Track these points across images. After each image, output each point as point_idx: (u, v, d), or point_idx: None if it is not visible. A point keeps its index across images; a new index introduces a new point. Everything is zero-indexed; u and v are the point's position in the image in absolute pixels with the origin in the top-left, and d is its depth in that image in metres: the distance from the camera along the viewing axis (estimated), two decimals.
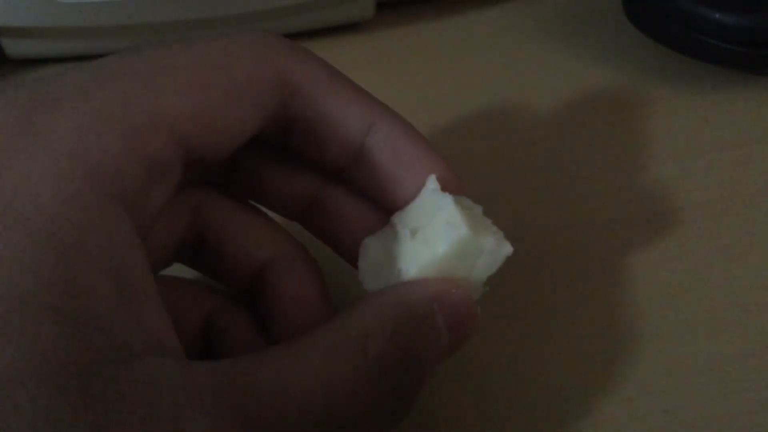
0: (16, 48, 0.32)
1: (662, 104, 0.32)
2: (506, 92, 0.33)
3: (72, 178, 0.15)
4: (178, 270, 0.23)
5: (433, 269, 0.19)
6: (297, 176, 0.22)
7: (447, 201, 0.19)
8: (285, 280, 0.22)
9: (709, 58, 0.32)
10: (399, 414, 0.18)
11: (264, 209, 0.23)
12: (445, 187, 0.20)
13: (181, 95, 0.17)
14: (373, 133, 0.20)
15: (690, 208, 0.28)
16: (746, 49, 0.30)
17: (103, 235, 0.15)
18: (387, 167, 0.20)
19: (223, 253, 0.22)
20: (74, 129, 0.15)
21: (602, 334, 0.25)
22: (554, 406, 0.23)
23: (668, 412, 0.23)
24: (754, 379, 0.23)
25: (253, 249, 0.22)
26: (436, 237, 0.19)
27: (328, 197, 0.22)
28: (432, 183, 0.20)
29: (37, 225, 0.14)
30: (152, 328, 0.15)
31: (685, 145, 0.31)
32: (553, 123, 0.31)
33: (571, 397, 0.23)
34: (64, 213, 0.15)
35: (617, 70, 0.34)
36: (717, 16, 0.30)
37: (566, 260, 0.27)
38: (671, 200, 0.29)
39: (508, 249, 0.19)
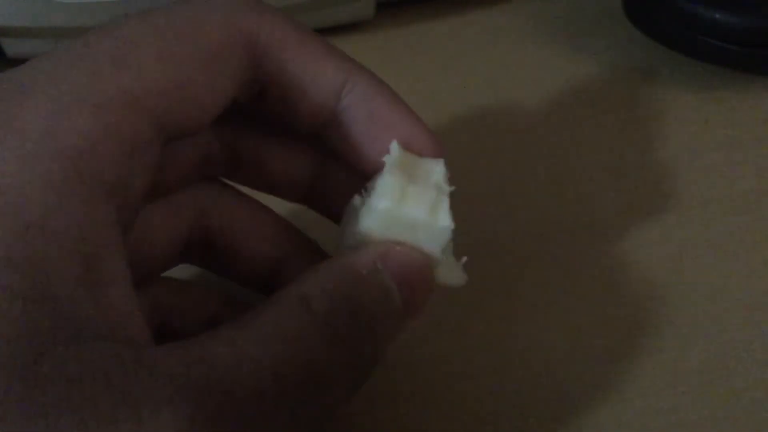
0: (16, 48, 0.32)
1: (662, 104, 0.32)
2: (506, 92, 0.33)
3: (39, 159, 0.15)
4: (181, 272, 0.23)
5: (371, 236, 0.19)
6: (296, 156, 0.22)
7: (387, 169, 0.19)
8: None
9: (709, 58, 0.32)
10: (358, 376, 0.18)
11: (267, 204, 0.23)
12: (420, 149, 0.19)
13: (148, 68, 0.17)
14: (347, 92, 0.19)
15: (690, 208, 0.28)
16: (746, 49, 0.30)
17: (71, 215, 0.15)
18: (362, 126, 0.20)
19: (235, 252, 0.22)
20: (42, 112, 0.15)
21: (602, 334, 0.25)
22: (553, 406, 0.23)
23: (669, 412, 0.23)
24: (754, 380, 0.23)
25: (266, 247, 0.22)
26: (369, 207, 0.19)
27: (328, 173, 0.22)
28: (393, 149, 0.19)
29: (0, 207, 0.14)
30: (114, 312, 0.15)
31: (684, 145, 0.31)
32: (553, 123, 0.31)
33: (570, 397, 0.23)
34: (29, 193, 0.14)
35: (617, 70, 0.34)
36: (717, 16, 0.30)
37: (564, 259, 0.27)
38: (671, 200, 0.29)
39: (445, 223, 0.19)
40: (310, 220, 0.23)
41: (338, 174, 0.22)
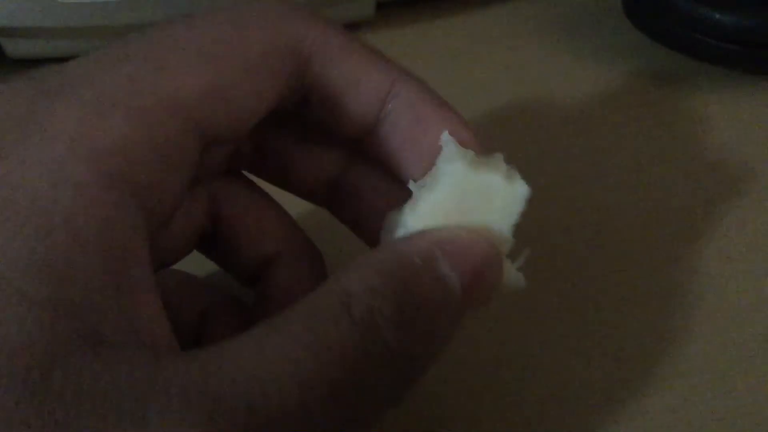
0: (16, 48, 0.32)
1: (662, 104, 0.32)
2: (506, 92, 0.33)
3: (69, 162, 0.14)
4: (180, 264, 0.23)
5: (435, 216, 0.17)
6: (321, 155, 0.21)
7: (447, 141, 0.17)
8: (286, 275, 0.21)
9: (709, 58, 0.32)
10: (403, 385, 0.16)
11: (286, 197, 0.22)
12: (465, 147, 0.18)
13: (191, 73, 0.16)
14: (393, 97, 0.19)
15: (689, 209, 0.28)
16: (746, 49, 0.30)
17: (97, 219, 0.14)
18: (407, 130, 0.19)
19: (233, 243, 0.21)
20: (76, 114, 0.15)
21: (603, 334, 0.25)
22: (555, 406, 0.23)
23: (670, 412, 0.23)
24: (754, 378, 0.23)
25: (260, 242, 0.21)
26: (434, 181, 0.17)
27: (352, 177, 0.21)
28: (445, 136, 0.18)
29: (24, 210, 0.14)
30: (136, 319, 0.14)
31: (684, 145, 0.31)
32: (552, 123, 0.32)
33: (572, 396, 0.23)
34: (54, 196, 0.14)
35: (617, 70, 0.34)
36: (717, 16, 0.30)
37: (561, 260, 0.27)
38: (670, 200, 0.29)
39: (522, 188, 0.17)
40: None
41: (361, 179, 0.21)
